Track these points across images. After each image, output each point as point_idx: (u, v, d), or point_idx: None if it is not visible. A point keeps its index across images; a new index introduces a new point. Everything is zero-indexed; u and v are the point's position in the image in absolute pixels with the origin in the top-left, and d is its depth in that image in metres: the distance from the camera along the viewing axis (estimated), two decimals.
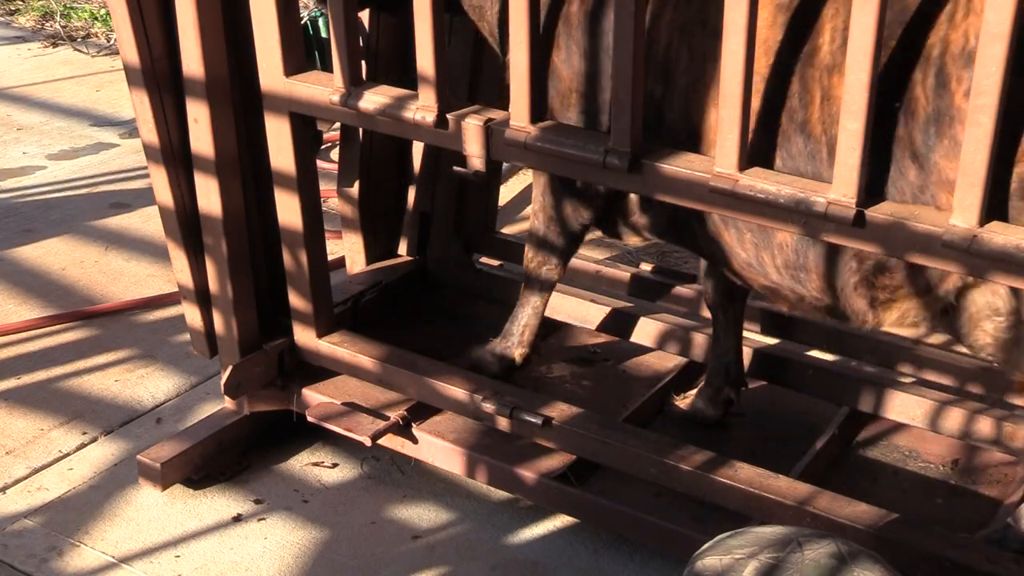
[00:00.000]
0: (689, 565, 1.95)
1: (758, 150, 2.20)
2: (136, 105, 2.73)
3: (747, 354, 3.06)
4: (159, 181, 2.81)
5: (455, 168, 2.66)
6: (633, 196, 2.59)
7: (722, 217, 2.35)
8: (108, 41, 6.89)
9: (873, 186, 2.07)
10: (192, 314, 3.01)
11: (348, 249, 3.49)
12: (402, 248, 3.57)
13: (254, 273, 2.93)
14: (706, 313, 3.28)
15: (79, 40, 6.95)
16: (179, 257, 2.92)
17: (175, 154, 2.79)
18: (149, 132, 2.75)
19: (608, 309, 3.28)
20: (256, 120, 2.77)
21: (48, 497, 2.95)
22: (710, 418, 2.96)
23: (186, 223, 2.87)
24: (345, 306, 3.25)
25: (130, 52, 2.65)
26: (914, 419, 2.86)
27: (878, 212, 2.02)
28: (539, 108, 2.37)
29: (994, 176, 1.90)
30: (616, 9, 2.11)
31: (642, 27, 2.12)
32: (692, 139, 2.34)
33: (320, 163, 2.98)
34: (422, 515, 2.88)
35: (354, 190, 3.35)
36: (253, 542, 2.79)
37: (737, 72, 2.04)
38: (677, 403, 3.02)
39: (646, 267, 3.47)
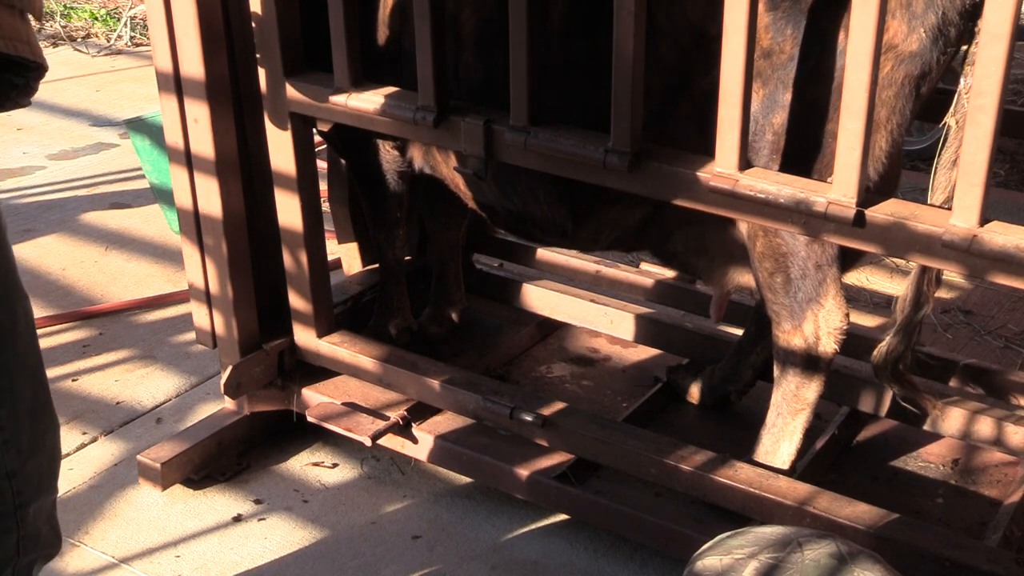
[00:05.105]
0: (689, 565, 1.95)
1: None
2: (164, 108, 2.79)
3: None
4: (179, 181, 2.84)
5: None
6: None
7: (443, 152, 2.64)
8: (108, 41, 6.89)
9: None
10: (200, 312, 3.01)
11: (344, 254, 3.49)
12: None
13: (254, 273, 2.94)
14: (708, 313, 3.29)
15: (79, 40, 6.95)
16: (192, 256, 2.92)
17: None
18: (174, 135, 2.81)
19: (608, 309, 3.28)
20: (251, 120, 2.78)
21: None
22: (436, 335, 3.32)
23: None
24: (345, 306, 3.26)
25: (163, 58, 2.73)
26: (914, 419, 2.86)
27: (878, 212, 2.02)
28: (539, 108, 2.37)
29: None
30: (616, 9, 2.11)
31: (642, 27, 2.12)
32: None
33: (320, 163, 2.98)
34: (422, 515, 2.88)
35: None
36: (253, 542, 2.79)
37: (737, 72, 2.04)
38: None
39: (646, 267, 3.47)
